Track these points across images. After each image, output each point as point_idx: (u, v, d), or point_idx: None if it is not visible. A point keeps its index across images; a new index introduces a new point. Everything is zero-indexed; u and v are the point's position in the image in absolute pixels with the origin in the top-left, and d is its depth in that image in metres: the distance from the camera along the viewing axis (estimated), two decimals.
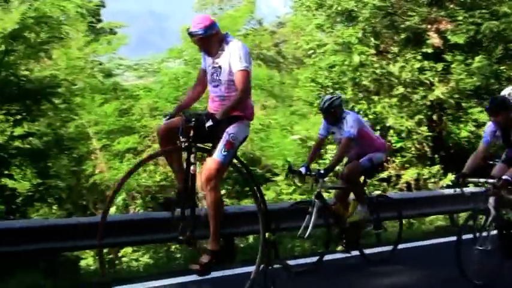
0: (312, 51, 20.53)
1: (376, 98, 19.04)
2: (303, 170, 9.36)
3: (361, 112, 18.70)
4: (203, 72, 7.14)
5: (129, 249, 13.23)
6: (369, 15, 18.93)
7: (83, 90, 17.78)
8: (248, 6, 33.82)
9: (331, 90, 19.45)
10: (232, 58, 6.73)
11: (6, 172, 13.15)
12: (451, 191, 11.85)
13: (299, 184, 11.03)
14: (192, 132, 6.46)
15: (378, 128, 18.69)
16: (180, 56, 23.22)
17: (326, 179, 9.58)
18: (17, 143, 13.75)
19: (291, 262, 8.96)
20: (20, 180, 13.81)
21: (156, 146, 17.14)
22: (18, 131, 13.93)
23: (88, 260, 12.65)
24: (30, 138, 14.19)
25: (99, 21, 25.77)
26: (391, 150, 18.39)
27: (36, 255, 9.04)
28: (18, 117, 13.78)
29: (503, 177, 7.97)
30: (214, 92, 6.96)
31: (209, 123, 6.39)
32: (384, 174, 18.27)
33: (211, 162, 6.59)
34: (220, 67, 6.83)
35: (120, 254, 13.32)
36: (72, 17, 17.70)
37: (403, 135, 18.55)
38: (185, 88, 19.61)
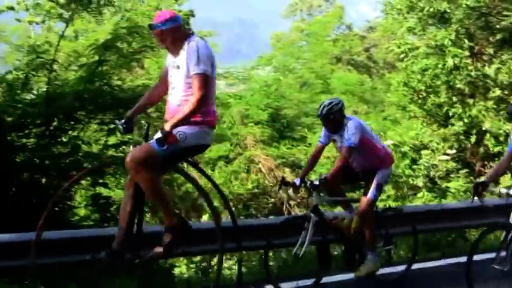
0: (403, 55, 20.18)
1: (471, 101, 18.59)
2: (297, 181, 8.42)
3: (456, 116, 18.29)
4: (166, 71, 6.53)
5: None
6: (463, 17, 18.49)
7: None
8: (337, 12, 33.76)
9: (424, 94, 19.11)
10: (189, 59, 6.10)
11: (100, 181, 13.31)
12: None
13: (293, 197, 10.06)
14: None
15: (474, 132, 18.22)
16: (269, 63, 23.28)
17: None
18: (110, 152, 13.90)
19: (285, 284, 8.38)
20: (114, 189, 13.97)
21: (248, 154, 17.17)
22: (111, 140, 14.10)
23: (181, 268, 12.67)
24: (124, 147, 14.33)
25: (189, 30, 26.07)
26: (490, 155, 17.89)
27: (130, 263, 9.04)
28: (112, 126, 13.94)
29: None
30: (171, 96, 6.37)
31: (157, 135, 5.92)
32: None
33: (142, 146, 6.09)
34: (178, 67, 6.22)
35: (212, 263, 13.28)
36: None
37: (501, 139, 18.00)
38: (276, 95, 19.60)
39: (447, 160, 17.63)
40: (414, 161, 17.34)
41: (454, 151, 18.08)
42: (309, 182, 8.28)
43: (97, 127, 13.99)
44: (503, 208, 7.26)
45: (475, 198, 7.17)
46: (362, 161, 8.64)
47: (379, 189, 8.61)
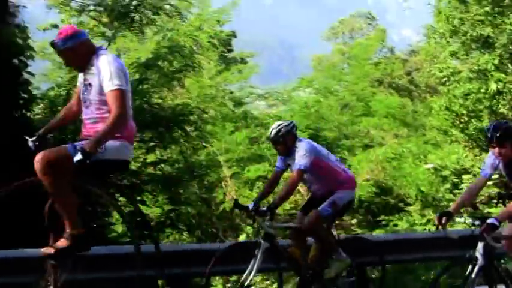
0: (445, 79, 19.99)
1: None
2: (250, 205, 7.82)
3: None
4: (79, 90, 6.11)
5: (258, 278, 13.11)
6: (507, 41, 18.28)
7: (214, 119, 17.97)
8: (379, 35, 33.63)
9: (466, 119, 18.90)
10: (102, 76, 5.73)
11: (139, 198, 13.37)
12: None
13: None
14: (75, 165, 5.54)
15: None
16: (310, 85, 23.23)
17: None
18: (149, 170, 13.97)
19: None
20: (152, 206, 14.02)
21: (287, 174, 17.07)
22: (151, 157, 14.17)
23: (217, 287, 12.64)
24: (162, 165, 14.39)
25: (230, 51, 26.16)
26: None
27: (167, 280, 8.98)
28: (151, 144, 14.01)
29: (488, 220, 6.37)
30: (85, 114, 5.96)
31: (78, 156, 5.43)
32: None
33: (56, 148, 5.67)
34: (90, 84, 5.83)
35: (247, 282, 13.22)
36: (204, 46, 17.98)
37: None
38: (316, 116, 19.52)
39: (489, 185, 17.38)
40: (455, 186, 17.12)
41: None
42: (254, 208, 7.76)
43: (136, 145, 14.09)
44: (469, 240, 6.62)
45: (439, 228, 6.73)
46: (319, 186, 8.17)
47: (333, 207, 7.96)
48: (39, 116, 13.89)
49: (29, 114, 13.03)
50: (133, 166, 13.99)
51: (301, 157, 7.78)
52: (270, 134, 8.00)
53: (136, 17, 14.59)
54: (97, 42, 16.79)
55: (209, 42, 18.63)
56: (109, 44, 15.38)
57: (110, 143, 5.70)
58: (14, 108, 12.48)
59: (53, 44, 5.96)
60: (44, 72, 17.77)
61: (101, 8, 14.43)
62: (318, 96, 21.88)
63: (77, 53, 5.84)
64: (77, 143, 5.60)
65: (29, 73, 12.95)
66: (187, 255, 8.68)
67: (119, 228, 13.41)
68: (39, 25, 15.80)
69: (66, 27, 6.06)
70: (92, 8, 14.64)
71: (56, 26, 15.91)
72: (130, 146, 6.01)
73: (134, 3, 14.35)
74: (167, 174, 14.45)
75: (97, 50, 5.92)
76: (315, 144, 8.25)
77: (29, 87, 12.93)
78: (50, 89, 14.71)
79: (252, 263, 7.59)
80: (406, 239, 11.06)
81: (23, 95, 12.72)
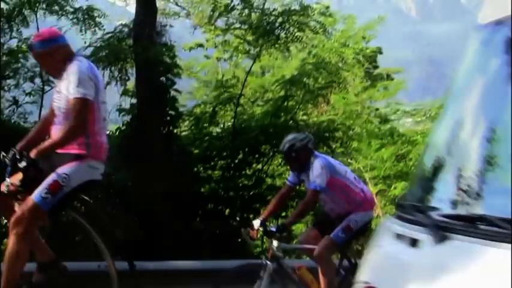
0: None
1: None
2: (256, 223, 7.25)
3: None
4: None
5: None
6: None
7: (360, 135, 17.74)
8: None
9: None
10: (69, 81, 5.34)
11: (283, 214, 13.34)
12: None
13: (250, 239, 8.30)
14: (22, 174, 5.18)
15: None
16: None
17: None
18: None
19: None
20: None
21: None
22: None
23: None
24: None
25: (376, 67, 25.87)
26: None
27: None
28: None
29: None
30: (55, 123, 5.56)
31: (22, 163, 5.13)
32: None
33: (26, 203, 5.20)
34: (60, 92, 5.47)
35: None
36: (349, 63, 17.83)
37: None
38: None
39: None
40: None
41: None
42: (262, 228, 7.21)
43: (281, 161, 14.10)
44: None
45: None
46: (334, 205, 7.46)
47: (347, 232, 7.25)
48: (186, 133, 14.20)
49: (175, 130, 13.34)
50: (278, 182, 14.02)
51: (316, 176, 7.14)
52: (283, 147, 7.37)
53: (282, 34, 14.59)
54: (242, 59, 17.11)
55: (354, 58, 18.49)
56: (254, 62, 15.52)
57: (74, 169, 5.35)
58: (162, 124, 12.82)
59: (30, 46, 5.82)
60: (189, 90, 18.22)
61: (246, 26, 14.53)
62: None
63: (53, 56, 5.54)
64: (41, 189, 5.24)
65: (176, 90, 13.28)
66: (185, 274, 8.49)
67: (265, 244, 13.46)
68: (185, 44, 16.17)
69: (45, 30, 5.84)
70: (237, 26, 14.78)
71: (201, 46, 16.27)
72: (100, 164, 5.57)
73: (279, 20, 14.34)
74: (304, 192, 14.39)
75: (73, 57, 5.59)
76: (331, 160, 7.60)
77: (176, 104, 13.24)
78: (196, 106, 15.02)
79: (256, 285, 7.01)
80: None
81: (170, 111, 13.05)
